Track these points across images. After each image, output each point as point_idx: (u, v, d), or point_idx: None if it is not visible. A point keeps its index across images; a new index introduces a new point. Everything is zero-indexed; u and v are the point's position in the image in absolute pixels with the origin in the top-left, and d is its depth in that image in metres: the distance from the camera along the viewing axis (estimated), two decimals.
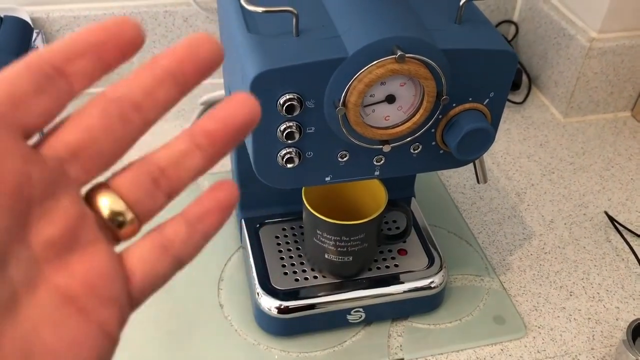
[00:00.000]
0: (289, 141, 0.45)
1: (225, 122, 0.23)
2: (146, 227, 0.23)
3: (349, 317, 0.60)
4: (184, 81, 0.23)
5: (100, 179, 0.23)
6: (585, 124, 0.91)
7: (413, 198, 0.70)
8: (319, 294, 0.59)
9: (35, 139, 0.22)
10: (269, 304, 0.58)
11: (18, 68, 0.21)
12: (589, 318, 0.64)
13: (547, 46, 0.92)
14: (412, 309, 0.62)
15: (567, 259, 0.70)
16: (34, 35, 0.59)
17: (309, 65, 0.42)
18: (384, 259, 0.62)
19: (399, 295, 0.60)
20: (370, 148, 0.48)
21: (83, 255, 0.21)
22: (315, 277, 0.60)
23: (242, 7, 0.45)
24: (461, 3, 0.45)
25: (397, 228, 0.66)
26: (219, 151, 0.23)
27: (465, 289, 0.66)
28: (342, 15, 0.45)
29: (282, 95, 0.43)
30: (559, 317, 0.64)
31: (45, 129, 0.22)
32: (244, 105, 0.24)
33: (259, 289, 0.59)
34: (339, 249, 0.57)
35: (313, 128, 0.45)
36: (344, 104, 0.43)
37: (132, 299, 0.22)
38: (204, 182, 0.77)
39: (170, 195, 0.23)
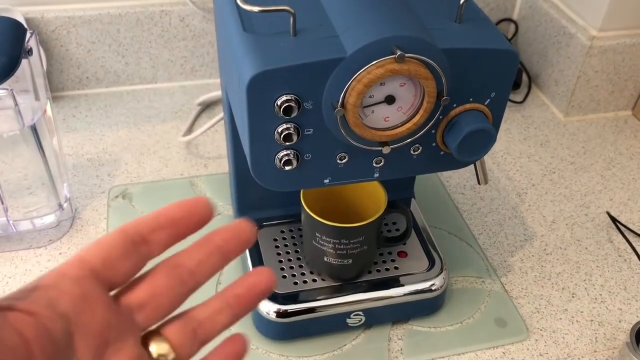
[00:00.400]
0: (287, 143, 0.45)
1: (251, 288, 0.30)
2: None
3: (348, 320, 0.59)
4: (227, 254, 0.30)
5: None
6: (586, 123, 0.90)
7: (413, 199, 0.69)
8: (318, 298, 0.58)
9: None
10: (268, 308, 0.57)
11: (114, 234, 0.28)
12: (592, 320, 0.63)
13: (547, 45, 0.91)
14: (412, 311, 0.61)
15: (569, 260, 0.69)
16: (28, 35, 0.58)
17: (307, 65, 0.41)
18: (384, 262, 0.62)
19: (399, 298, 0.59)
20: (370, 150, 0.47)
21: None
22: (315, 280, 0.60)
23: (238, 6, 0.44)
24: (461, 2, 0.45)
25: (397, 230, 0.65)
26: (243, 310, 0.30)
27: (466, 291, 0.65)
28: (340, 14, 0.44)
29: (280, 96, 0.42)
30: (561, 319, 0.63)
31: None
32: (265, 276, 0.31)
33: None
34: (339, 251, 0.56)
35: (311, 130, 0.44)
36: (342, 105, 0.42)
37: None
38: (202, 185, 0.76)
39: (204, 342, 0.30)
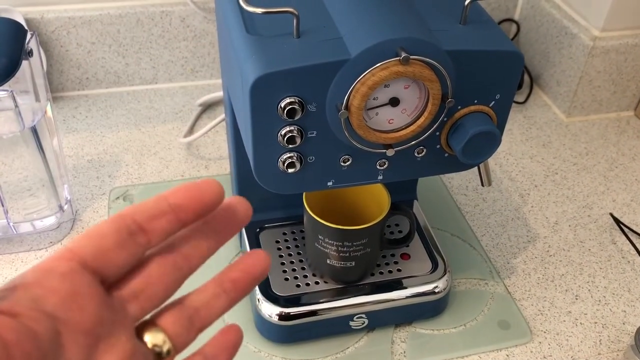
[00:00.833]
0: (290, 146, 0.44)
1: (247, 272, 0.29)
2: None
3: (351, 323, 0.59)
4: (222, 235, 0.29)
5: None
6: (588, 124, 0.90)
7: (415, 201, 0.69)
8: (321, 300, 0.58)
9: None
10: (270, 311, 0.57)
11: (108, 223, 0.26)
12: (596, 322, 0.63)
13: (549, 45, 0.91)
14: (415, 314, 0.61)
15: (572, 261, 0.69)
16: (28, 36, 0.58)
17: (311, 67, 0.41)
18: (387, 264, 0.61)
19: (403, 300, 0.59)
20: (374, 152, 0.46)
21: None
22: (317, 283, 0.59)
23: (240, 7, 0.44)
24: (466, 3, 0.44)
25: (400, 232, 0.65)
26: (239, 295, 0.29)
27: (469, 293, 0.65)
28: (344, 16, 0.44)
29: (283, 98, 0.42)
30: (564, 321, 0.63)
31: None
32: (260, 259, 0.30)
33: (259, 295, 0.58)
34: (341, 254, 0.56)
35: (315, 132, 0.44)
36: (346, 107, 0.42)
37: None
38: None
39: (201, 329, 0.29)
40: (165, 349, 0.28)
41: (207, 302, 0.29)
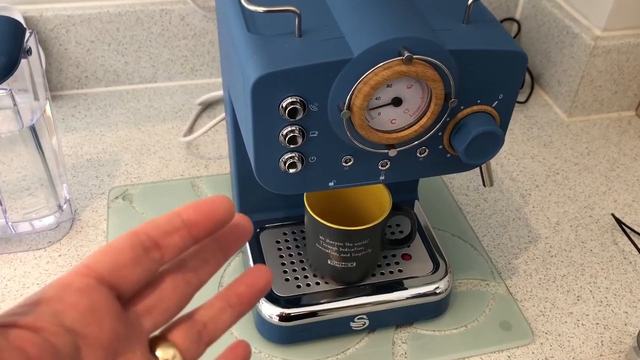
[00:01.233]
0: (292, 146, 0.44)
1: (251, 286, 0.30)
2: None
3: (352, 324, 0.58)
4: (228, 250, 0.30)
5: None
6: (590, 124, 0.89)
7: (416, 201, 0.68)
8: (322, 301, 0.57)
9: None
10: (270, 312, 0.56)
11: (123, 239, 0.27)
12: (597, 323, 0.62)
13: (550, 44, 0.90)
14: (416, 315, 0.61)
15: (574, 262, 0.69)
16: (27, 35, 0.57)
17: (313, 67, 0.40)
18: (388, 264, 0.61)
19: (404, 301, 0.59)
20: (376, 152, 0.46)
21: None
22: (318, 284, 0.59)
23: (242, 6, 0.43)
24: (469, 2, 0.44)
25: (401, 232, 0.65)
26: (245, 308, 0.30)
27: (470, 293, 0.65)
28: (346, 15, 0.43)
29: (285, 98, 0.41)
30: (566, 322, 0.62)
31: None
32: (262, 273, 0.31)
33: None
34: (342, 254, 0.56)
35: (316, 132, 0.44)
36: (348, 107, 0.42)
37: None
38: (204, 186, 0.76)
39: (209, 343, 0.30)
40: None
41: (215, 316, 0.30)
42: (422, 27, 0.42)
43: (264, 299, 0.57)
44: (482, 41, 0.44)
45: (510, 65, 0.44)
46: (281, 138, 0.43)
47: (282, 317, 0.56)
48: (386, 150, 0.45)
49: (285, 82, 0.40)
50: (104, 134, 0.83)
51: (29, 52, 0.57)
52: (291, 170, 0.45)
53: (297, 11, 0.41)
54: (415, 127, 0.44)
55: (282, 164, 0.45)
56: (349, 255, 0.56)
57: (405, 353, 0.59)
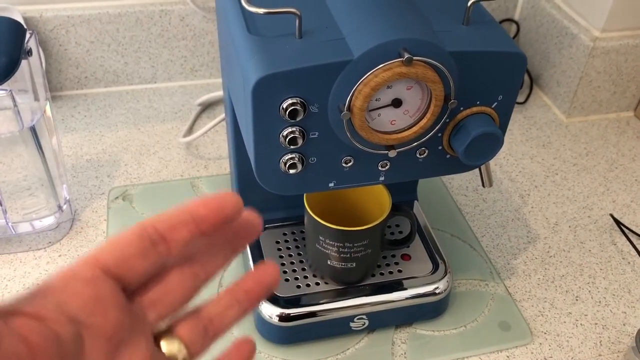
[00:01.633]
0: (292, 147, 0.44)
1: (259, 282, 0.31)
2: None
3: (352, 324, 0.59)
4: (236, 245, 0.30)
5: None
6: (588, 124, 0.90)
7: (416, 201, 0.68)
8: (321, 301, 0.57)
9: None
10: (270, 312, 0.57)
11: (131, 232, 0.27)
12: (596, 323, 0.63)
13: (549, 45, 0.90)
14: (416, 315, 0.61)
15: (573, 262, 0.69)
16: (28, 36, 0.57)
17: (313, 68, 0.40)
18: (387, 265, 0.61)
19: (403, 301, 0.59)
20: (375, 153, 0.46)
21: None
22: (318, 284, 0.59)
23: (242, 7, 0.44)
24: (469, 4, 0.44)
25: (401, 232, 0.65)
26: (252, 304, 0.31)
27: (469, 294, 0.65)
28: (346, 16, 0.43)
29: (285, 99, 0.41)
30: (565, 322, 0.63)
31: None
32: (270, 270, 0.31)
33: None
34: (342, 255, 0.56)
35: (317, 133, 0.44)
36: (349, 108, 0.42)
37: None
38: (203, 186, 0.76)
39: (214, 338, 0.30)
40: (180, 357, 0.28)
41: (221, 312, 0.30)
42: (422, 28, 0.42)
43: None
44: (482, 42, 0.44)
45: (509, 66, 0.45)
46: (281, 139, 0.43)
47: (282, 318, 0.56)
48: (386, 151, 0.46)
49: (285, 83, 0.41)
50: (103, 134, 0.83)
51: (29, 53, 0.57)
52: (291, 171, 0.45)
53: (298, 13, 0.41)
54: (415, 128, 0.44)
55: (282, 165, 0.45)
56: (348, 255, 0.56)
57: (405, 353, 0.59)
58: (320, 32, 0.43)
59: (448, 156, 0.49)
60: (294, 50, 0.41)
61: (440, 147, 0.48)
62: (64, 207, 0.68)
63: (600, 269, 0.68)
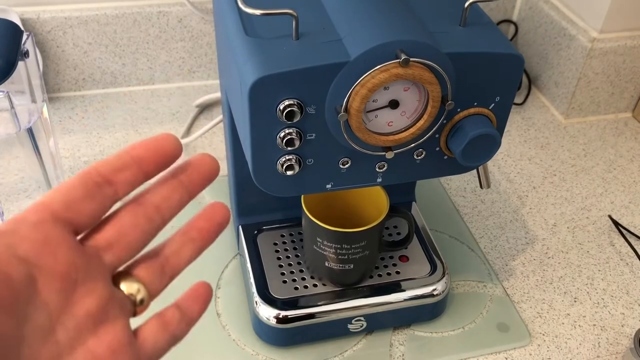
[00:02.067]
0: (289, 148, 0.44)
1: (210, 220, 0.31)
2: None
3: (349, 326, 0.59)
4: (192, 189, 0.31)
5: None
6: (586, 125, 0.90)
7: (414, 202, 0.68)
8: (319, 303, 0.57)
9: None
10: (268, 314, 0.57)
11: (75, 178, 0.27)
12: (594, 325, 0.63)
13: (547, 46, 0.90)
14: (414, 317, 0.61)
15: (571, 263, 0.69)
16: (25, 37, 0.57)
17: (310, 70, 0.40)
18: (385, 266, 0.61)
19: (401, 303, 0.59)
20: (373, 154, 0.46)
21: (110, 326, 0.27)
22: (315, 286, 0.59)
23: (239, 9, 0.44)
24: (466, 5, 0.44)
25: (399, 234, 0.65)
26: (205, 243, 0.31)
27: (467, 295, 0.65)
28: (343, 17, 0.43)
29: (282, 101, 0.41)
30: (563, 323, 0.63)
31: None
32: (221, 208, 0.32)
33: (257, 298, 0.57)
34: (340, 257, 0.56)
35: (314, 134, 0.44)
36: (346, 109, 0.42)
37: None
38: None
39: (172, 277, 0.31)
40: (139, 297, 0.29)
41: (177, 250, 0.31)
42: (419, 30, 0.42)
43: (261, 300, 0.57)
44: (479, 44, 0.44)
45: (507, 67, 0.45)
46: (278, 140, 0.43)
47: (280, 319, 0.56)
48: (383, 153, 0.46)
49: (282, 84, 0.41)
50: (101, 136, 0.83)
51: (26, 54, 0.57)
52: (289, 173, 0.45)
53: (295, 14, 0.41)
54: (412, 130, 0.44)
55: (279, 166, 0.45)
56: (346, 257, 0.56)
57: (403, 355, 0.59)
58: (317, 34, 0.43)
59: (445, 157, 0.49)
60: (291, 52, 0.41)
61: (437, 149, 0.48)
62: None
63: (599, 270, 0.68)
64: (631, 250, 0.70)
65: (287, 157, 0.45)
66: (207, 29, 0.88)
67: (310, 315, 0.57)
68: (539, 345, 0.60)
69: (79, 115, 0.86)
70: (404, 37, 0.40)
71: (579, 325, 0.63)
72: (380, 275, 0.60)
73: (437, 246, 0.63)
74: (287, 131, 0.43)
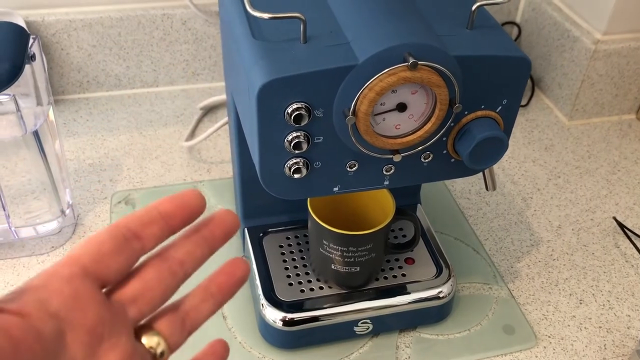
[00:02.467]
0: (297, 151, 0.44)
1: (230, 275, 0.32)
2: None
3: (355, 328, 0.59)
4: (213, 244, 0.31)
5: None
6: (590, 127, 0.90)
7: (419, 205, 0.68)
8: (325, 306, 0.57)
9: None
10: (274, 316, 0.57)
11: (104, 232, 0.28)
12: (600, 327, 0.63)
13: (551, 48, 0.90)
14: (420, 319, 0.61)
15: (576, 265, 0.69)
16: (31, 41, 0.57)
17: (318, 73, 0.40)
18: (391, 268, 0.61)
19: (407, 305, 0.59)
20: (380, 157, 0.46)
21: None
22: (321, 288, 0.59)
23: (247, 12, 0.44)
24: (473, 8, 0.44)
25: (404, 236, 0.65)
26: (225, 297, 0.32)
27: (473, 297, 0.65)
28: (351, 21, 0.43)
29: (290, 104, 0.41)
30: (569, 325, 0.63)
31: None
32: (240, 264, 0.33)
33: (263, 300, 0.57)
34: (346, 259, 0.56)
35: (321, 138, 0.44)
36: (354, 113, 0.42)
37: None
38: (206, 190, 0.76)
39: (191, 331, 0.32)
40: (159, 350, 0.30)
41: (196, 306, 0.31)
42: (426, 33, 0.42)
43: (267, 303, 0.57)
44: (486, 47, 0.44)
45: (514, 70, 0.45)
46: (286, 144, 0.43)
47: (286, 322, 0.56)
48: (391, 156, 0.46)
49: (290, 88, 0.41)
50: (105, 138, 0.83)
51: (32, 57, 0.57)
52: (296, 176, 0.45)
53: (303, 17, 0.41)
54: (419, 133, 0.44)
55: (287, 170, 0.45)
56: (352, 259, 0.56)
57: (409, 357, 0.59)
58: (325, 37, 0.43)
59: (453, 160, 0.49)
60: (299, 55, 0.41)
61: (445, 151, 0.48)
62: (67, 211, 0.68)
63: (604, 272, 0.68)
64: (636, 252, 0.70)
65: (295, 160, 0.45)
66: (211, 32, 0.88)
67: (317, 318, 0.57)
68: (544, 347, 0.60)
69: (83, 117, 0.86)
70: (411, 41, 0.40)
71: (585, 328, 0.63)
72: (386, 278, 0.60)
73: (442, 248, 0.63)
74: (294, 134, 0.43)
